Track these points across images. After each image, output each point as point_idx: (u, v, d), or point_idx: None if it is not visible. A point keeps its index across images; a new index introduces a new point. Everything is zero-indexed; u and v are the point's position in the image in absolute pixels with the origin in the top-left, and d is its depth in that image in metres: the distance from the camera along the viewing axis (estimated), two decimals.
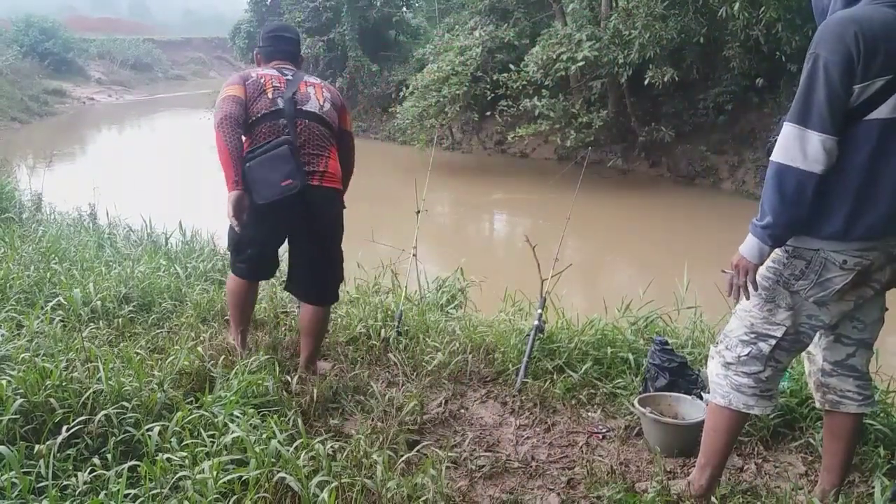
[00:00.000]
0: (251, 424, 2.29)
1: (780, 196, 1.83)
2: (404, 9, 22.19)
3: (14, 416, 2.21)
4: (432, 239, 8.84)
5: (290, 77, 2.91)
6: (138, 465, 2.10)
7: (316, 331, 3.00)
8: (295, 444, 2.23)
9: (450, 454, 2.42)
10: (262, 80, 2.85)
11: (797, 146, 1.80)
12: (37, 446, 2.12)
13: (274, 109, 2.80)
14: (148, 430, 2.25)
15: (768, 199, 1.86)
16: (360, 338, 3.42)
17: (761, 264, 1.94)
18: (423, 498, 2.09)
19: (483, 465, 2.46)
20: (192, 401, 2.52)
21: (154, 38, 46.23)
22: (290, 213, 2.80)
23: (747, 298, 1.99)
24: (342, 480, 2.11)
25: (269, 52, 3.01)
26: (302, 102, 2.85)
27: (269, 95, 2.82)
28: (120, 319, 3.43)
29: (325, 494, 1.99)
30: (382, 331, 3.43)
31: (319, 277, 2.98)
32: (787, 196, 1.82)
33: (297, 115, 2.83)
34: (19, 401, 2.26)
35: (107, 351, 2.79)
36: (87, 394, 2.36)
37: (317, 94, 2.90)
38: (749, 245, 1.92)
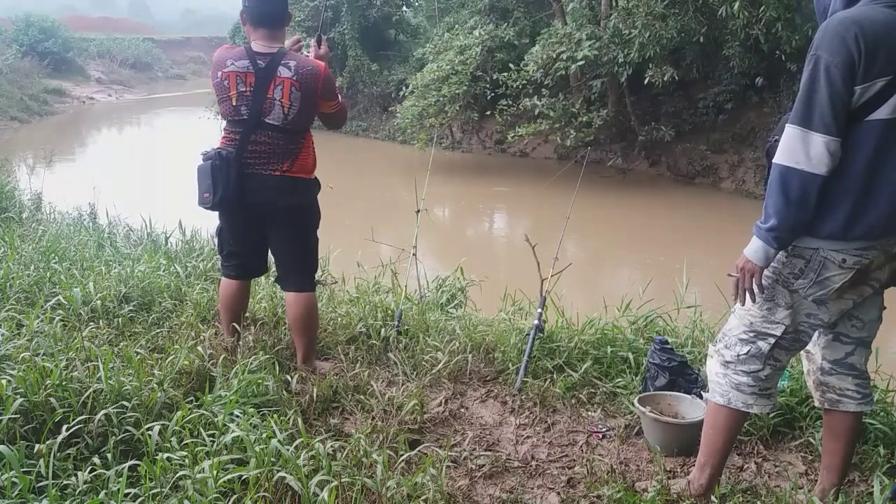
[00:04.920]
0: (251, 424, 2.29)
1: (784, 198, 1.83)
2: (404, 8, 22.16)
3: (14, 416, 2.21)
4: (432, 238, 8.85)
5: (261, 65, 2.77)
6: (138, 465, 2.10)
7: (300, 326, 3.00)
8: (295, 444, 2.23)
9: (450, 453, 2.42)
10: (226, 83, 2.79)
11: (801, 148, 1.80)
12: (37, 446, 2.12)
13: (237, 119, 2.82)
14: (148, 429, 2.25)
15: (773, 202, 1.85)
16: (359, 337, 3.42)
17: (767, 267, 1.94)
18: (423, 497, 2.09)
19: (483, 465, 2.46)
20: (191, 400, 2.52)
21: (154, 37, 46.29)
22: (246, 204, 2.85)
23: (753, 301, 1.99)
24: (342, 480, 2.11)
25: (249, 15, 2.84)
26: (266, 113, 2.78)
27: (234, 102, 2.79)
28: (120, 319, 3.43)
29: (325, 494, 1.99)
30: (382, 330, 3.42)
31: (287, 262, 3.02)
32: (791, 198, 1.82)
33: (259, 127, 2.80)
34: (19, 400, 2.26)
35: (107, 350, 2.79)
36: (87, 393, 2.37)
37: (283, 99, 2.78)
38: (754, 248, 1.91)
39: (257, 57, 2.80)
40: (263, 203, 2.86)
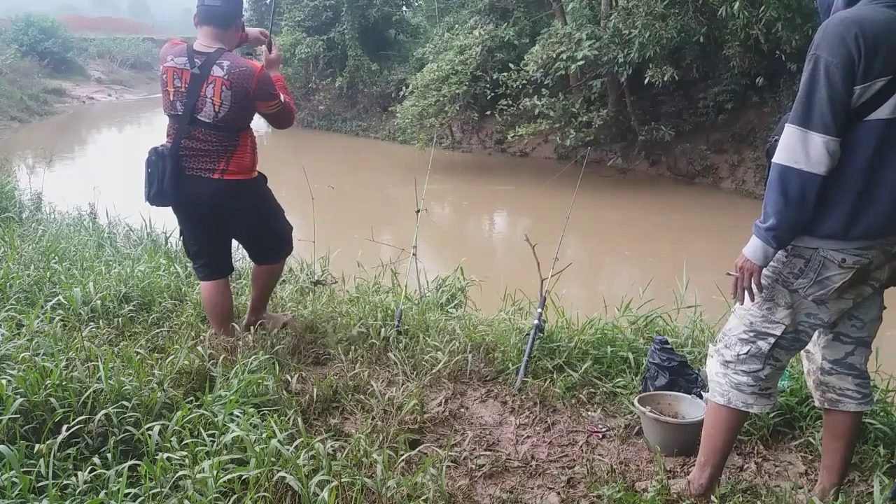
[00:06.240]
0: (251, 424, 2.29)
1: (783, 198, 1.83)
2: (404, 8, 22.16)
3: (14, 416, 2.21)
4: (432, 238, 8.84)
5: (197, 69, 2.83)
6: (138, 465, 2.10)
7: (262, 282, 3.25)
8: (295, 444, 2.24)
9: (450, 453, 2.42)
10: (164, 77, 2.89)
11: (800, 148, 1.80)
12: (37, 445, 2.12)
13: (173, 114, 2.92)
14: (148, 429, 2.25)
15: (772, 202, 1.85)
16: (359, 337, 3.42)
17: (766, 266, 1.94)
18: (424, 497, 2.10)
19: (483, 465, 2.46)
20: (191, 400, 2.52)
21: (154, 37, 46.13)
22: (193, 209, 3.01)
23: (752, 301, 1.99)
24: (342, 480, 2.11)
25: (197, 12, 2.93)
26: (198, 110, 2.86)
27: (170, 97, 2.89)
28: (120, 319, 3.44)
29: (325, 494, 1.99)
30: (382, 330, 3.42)
31: (258, 248, 3.28)
32: (790, 198, 1.82)
33: (193, 123, 2.88)
34: (19, 400, 2.26)
35: (107, 350, 2.79)
36: (87, 393, 2.37)
37: (214, 97, 2.83)
38: (753, 247, 1.91)
39: (195, 55, 2.87)
40: (207, 207, 2.97)
